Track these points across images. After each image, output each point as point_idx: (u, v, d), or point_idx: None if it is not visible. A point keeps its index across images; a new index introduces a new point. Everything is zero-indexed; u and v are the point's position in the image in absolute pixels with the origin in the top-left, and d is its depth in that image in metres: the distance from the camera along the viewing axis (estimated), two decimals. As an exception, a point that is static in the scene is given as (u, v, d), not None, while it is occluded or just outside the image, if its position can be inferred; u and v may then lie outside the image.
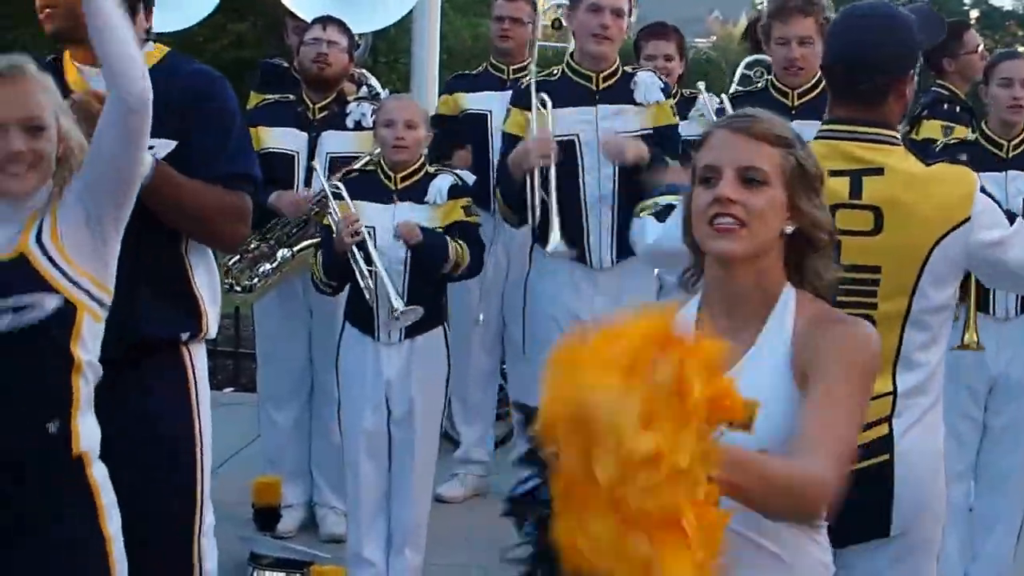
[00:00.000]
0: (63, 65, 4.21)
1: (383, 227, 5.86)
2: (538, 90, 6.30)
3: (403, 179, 5.96)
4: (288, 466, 6.99)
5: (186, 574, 4.16)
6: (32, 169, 3.50)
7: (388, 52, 14.41)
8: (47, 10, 4.12)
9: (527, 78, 6.49)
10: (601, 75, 6.27)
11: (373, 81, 7.62)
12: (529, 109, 6.27)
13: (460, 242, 5.88)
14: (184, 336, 4.17)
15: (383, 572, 6.05)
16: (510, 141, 6.35)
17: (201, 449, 4.19)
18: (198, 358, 4.23)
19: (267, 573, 5.78)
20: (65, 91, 4.02)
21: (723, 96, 6.39)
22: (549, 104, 6.24)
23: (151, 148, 4.00)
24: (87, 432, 3.53)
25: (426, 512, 6.09)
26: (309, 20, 7.24)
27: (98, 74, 4.07)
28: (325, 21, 7.06)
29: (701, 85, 6.37)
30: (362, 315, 5.90)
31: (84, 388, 3.52)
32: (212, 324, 4.25)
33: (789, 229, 3.01)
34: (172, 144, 4.08)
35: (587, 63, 6.28)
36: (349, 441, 6.04)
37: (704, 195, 2.97)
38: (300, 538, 6.74)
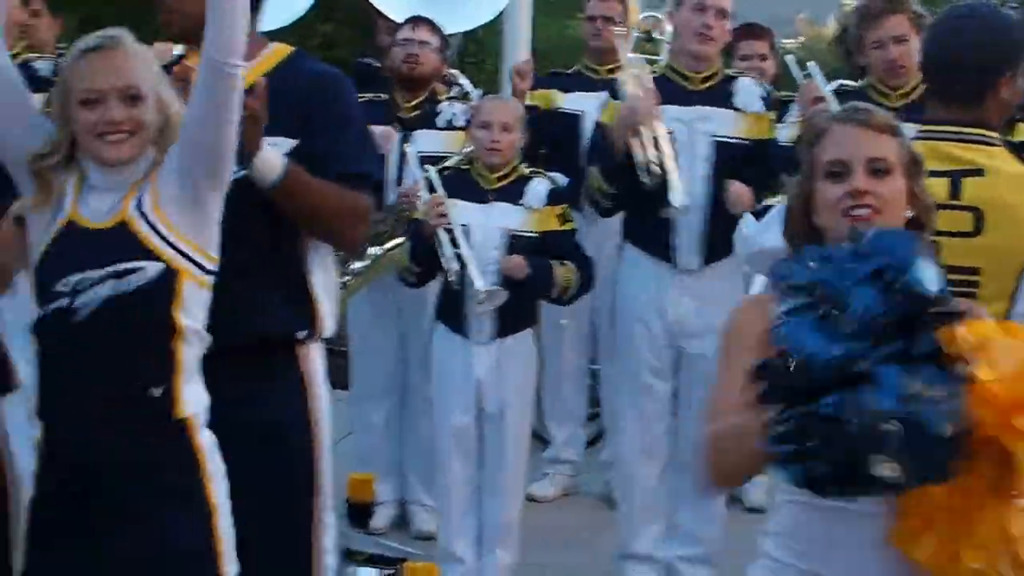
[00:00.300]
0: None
1: (478, 225, 5.90)
2: (635, 76, 6.22)
3: (499, 179, 6.00)
4: (380, 463, 7.04)
5: (305, 571, 4.17)
6: (131, 137, 3.54)
7: (476, 53, 14.43)
8: (170, 14, 4.12)
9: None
10: (700, 76, 6.18)
11: (464, 81, 7.66)
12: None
13: (568, 264, 5.91)
14: (301, 334, 4.17)
15: (474, 569, 6.08)
16: (601, 131, 6.23)
17: (319, 447, 4.18)
18: (315, 357, 4.21)
19: (362, 569, 5.81)
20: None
21: (811, 64, 6.21)
22: (640, 61, 6.19)
23: (274, 145, 4.03)
24: (192, 398, 3.56)
25: (518, 511, 6.12)
26: (399, 20, 7.29)
27: None
28: (416, 21, 7.11)
29: (812, 65, 6.16)
30: (453, 313, 5.94)
31: (188, 354, 3.55)
32: (328, 323, 4.24)
33: (908, 215, 3.12)
34: (292, 142, 4.08)
35: (687, 63, 6.18)
36: (439, 439, 6.09)
37: (834, 189, 3.07)
38: (391, 535, 6.79)
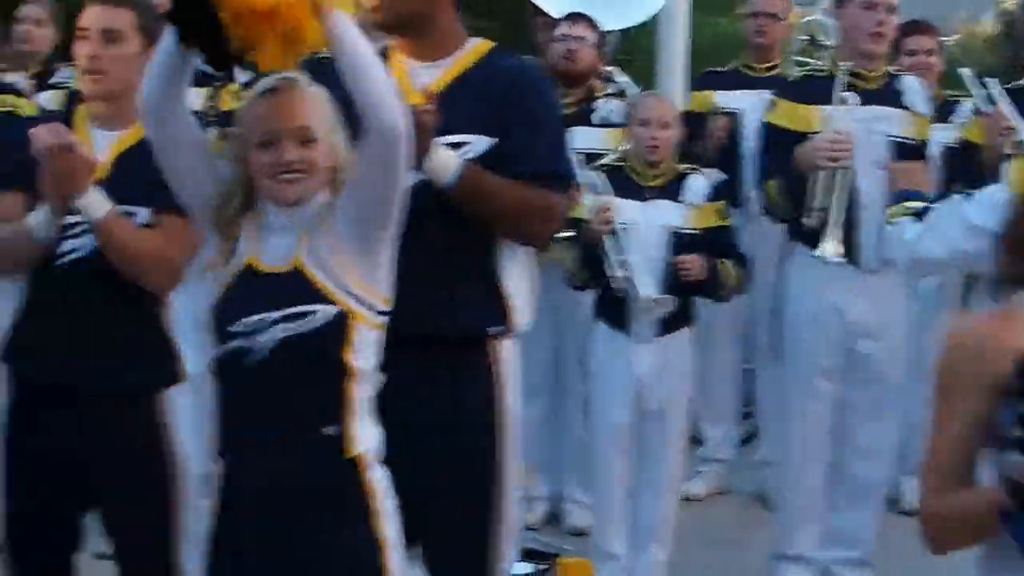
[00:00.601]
0: (389, 57, 4.19)
1: (638, 224, 5.88)
2: (804, 86, 6.18)
3: (656, 177, 5.99)
4: (534, 459, 7.04)
5: (486, 564, 4.19)
6: (305, 178, 3.55)
7: (628, 50, 14.39)
8: (381, 3, 4.11)
9: (794, 71, 6.39)
10: (874, 75, 6.07)
11: (621, 78, 7.65)
12: (800, 102, 6.09)
13: (728, 263, 5.89)
14: (493, 330, 4.17)
15: (627, 566, 6.08)
16: (773, 132, 6.18)
17: (506, 443, 4.18)
18: (507, 352, 4.21)
19: (516, 563, 5.83)
20: None
21: (990, 81, 6.10)
22: (855, 100, 6.01)
23: (467, 144, 4.04)
24: (365, 436, 3.57)
25: (674, 509, 6.11)
26: (557, 17, 7.31)
27: (424, 67, 4.14)
28: (574, 18, 7.13)
29: (994, 85, 6.04)
30: (615, 311, 5.93)
31: (360, 395, 3.56)
32: (523, 319, 4.23)
33: None
34: (489, 141, 4.06)
35: (860, 62, 6.05)
36: (597, 435, 6.08)
37: None
38: (544, 530, 6.81)
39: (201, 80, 6.23)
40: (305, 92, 3.62)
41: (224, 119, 6.13)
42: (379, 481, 3.59)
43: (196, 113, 6.02)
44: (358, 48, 3.49)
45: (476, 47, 4.21)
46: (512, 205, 4.07)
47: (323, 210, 3.58)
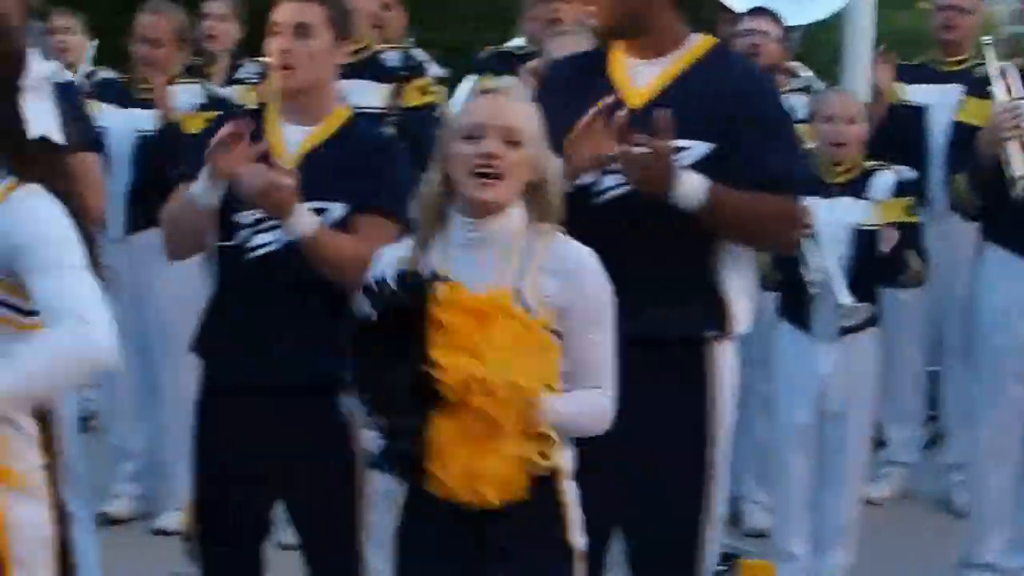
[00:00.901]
0: (607, 58, 4.18)
1: (823, 221, 5.77)
2: (1002, 75, 6.02)
3: (841, 174, 5.89)
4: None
5: (694, 564, 4.19)
6: (502, 179, 3.52)
7: (807, 45, 14.25)
8: (597, 7, 4.12)
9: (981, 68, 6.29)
10: None
11: (806, 73, 7.56)
12: (987, 98, 5.99)
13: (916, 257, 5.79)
14: (711, 333, 4.11)
15: (808, 568, 6.01)
16: (962, 131, 6.10)
17: (722, 444, 4.14)
18: (725, 355, 4.14)
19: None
20: (603, 84, 4.07)
21: None
22: (1014, 71, 5.93)
23: (684, 150, 3.95)
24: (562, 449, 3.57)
25: (857, 512, 6.04)
26: (741, 11, 7.25)
27: (644, 64, 4.10)
28: (757, 12, 7.08)
29: None
30: (799, 311, 5.87)
31: None
32: (743, 322, 4.15)
33: None
34: (708, 146, 3.98)
35: None
36: (780, 435, 6.02)
37: None
38: (723, 531, 6.73)
39: (384, 76, 6.30)
40: (516, 99, 3.63)
41: (408, 116, 6.16)
42: (571, 492, 3.59)
43: (379, 110, 6.11)
44: (578, 423, 3.55)
45: (698, 44, 4.15)
46: (760, 219, 4.02)
47: (532, 243, 3.55)
